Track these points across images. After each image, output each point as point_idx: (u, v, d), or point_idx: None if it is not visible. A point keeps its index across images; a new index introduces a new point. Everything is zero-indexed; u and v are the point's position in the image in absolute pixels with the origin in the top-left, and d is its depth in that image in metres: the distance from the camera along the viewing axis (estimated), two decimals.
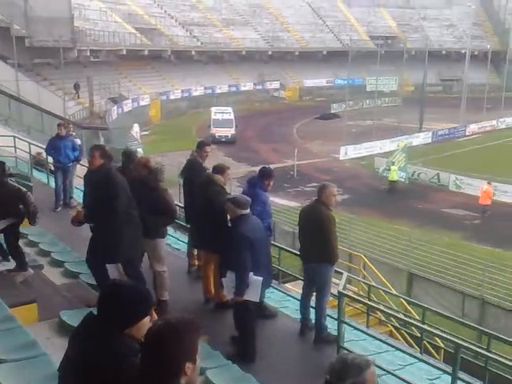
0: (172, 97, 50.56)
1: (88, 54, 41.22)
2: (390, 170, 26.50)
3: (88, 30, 42.21)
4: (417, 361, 6.46)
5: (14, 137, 14.19)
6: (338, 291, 5.91)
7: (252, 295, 5.57)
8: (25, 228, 7.96)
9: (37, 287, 5.73)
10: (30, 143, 13.30)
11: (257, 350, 5.70)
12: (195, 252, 7.60)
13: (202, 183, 6.62)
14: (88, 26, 42.94)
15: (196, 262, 7.57)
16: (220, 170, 6.75)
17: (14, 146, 13.76)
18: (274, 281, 8.05)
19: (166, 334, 2.24)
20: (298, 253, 6.50)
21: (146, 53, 50.23)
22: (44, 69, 35.52)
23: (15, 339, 4.18)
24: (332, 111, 49.37)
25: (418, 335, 8.10)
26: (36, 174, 13.09)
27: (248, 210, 5.68)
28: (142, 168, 6.31)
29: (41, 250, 7.31)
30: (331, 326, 6.33)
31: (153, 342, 2.25)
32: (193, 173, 7.21)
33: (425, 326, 6.61)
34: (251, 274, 5.50)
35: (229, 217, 5.75)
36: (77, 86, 36.12)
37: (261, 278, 5.56)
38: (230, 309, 5.95)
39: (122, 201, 5.55)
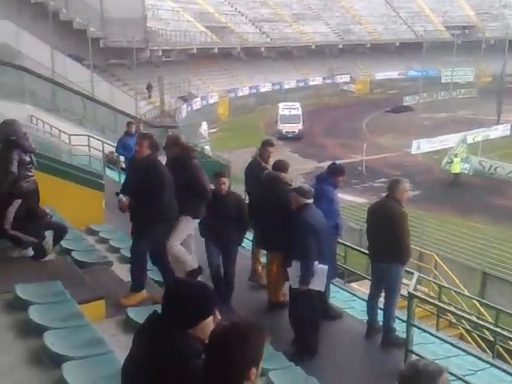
0: (240, 94, 50.89)
1: (160, 53, 42.17)
2: (452, 162, 25.72)
3: (160, 30, 43.23)
4: (489, 366, 6.12)
5: (88, 136, 14.73)
6: (408, 292, 5.70)
7: (317, 284, 5.53)
8: (97, 225, 8.29)
9: (105, 284, 5.87)
10: (103, 142, 13.76)
11: (318, 349, 5.63)
12: (260, 258, 7.39)
13: (267, 182, 6.56)
14: (160, 26, 44.00)
15: (259, 268, 7.35)
16: (282, 167, 6.63)
17: (88, 145, 14.28)
18: (339, 280, 7.93)
19: (232, 337, 2.21)
20: (366, 251, 6.34)
21: (216, 51, 50.82)
22: (118, 69, 36.72)
23: (82, 336, 4.28)
24: (404, 104, 48.04)
25: (491, 339, 7.73)
26: (108, 172, 13.52)
27: (312, 200, 5.63)
28: (173, 146, 6.27)
29: (111, 246, 7.51)
30: (399, 328, 6.13)
31: (218, 345, 2.22)
32: (252, 177, 7.13)
33: (498, 329, 6.28)
34: (316, 262, 5.45)
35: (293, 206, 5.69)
36: (149, 87, 37.11)
37: (326, 267, 5.50)
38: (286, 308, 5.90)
39: (166, 192, 5.55)
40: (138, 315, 4.82)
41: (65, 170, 9.14)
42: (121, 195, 5.94)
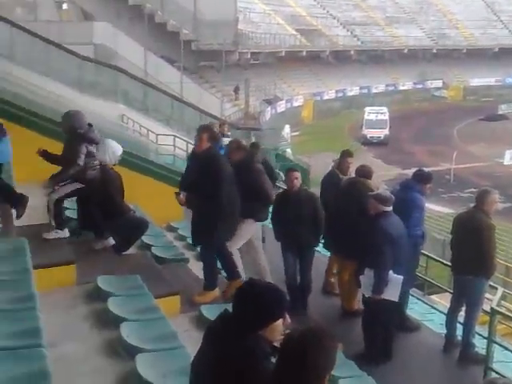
0: (326, 97, 50.56)
1: (248, 56, 42.74)
2: None
3: (250, 33, 43.80)
4: None
5: (174, 136, 15.15)
6: (491, 308, 5.43)
7: (391, 294, 5.38)
8: (176, 222, 8.50)
9: (181, 280, 6.00)
10: (187, 142, 14.10)
11: (393, 360, 5.51)
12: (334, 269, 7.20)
13: (347, 187, 6.44)
14: (250, 29, 44.56)
15: (332, 280, 7.15)
16: (367, 173, 6.46)
17: (174, 145, 14.68)
18: (418, 291, 7.65)
19: (310, 342, 2.20)
20: (449, 263, 6.11)
21: (305, 54, 50.81)
22: (207, 71, 37.57)
23: (157, 329, 4.39)
24: (499, 112, 45.76)
25: None
26: None
27: (391, 208, 5.47)
28: (236, 150, 6.19)
29: (188, 244, 7.66)
30: (479, 344, 5.85)
31: (296, 350, 2.20)
32: (329, 187, 6.96)
33: None
34: (391, 272, 5.31)
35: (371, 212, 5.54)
36: (237, 89, 37.68)
37: (401, 277, 5.34)
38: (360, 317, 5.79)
39: (225, 186, 5.49)
40: (211, 312, 4.88)
41: (151, 169, 9.50)
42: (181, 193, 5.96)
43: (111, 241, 6.21)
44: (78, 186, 6.12)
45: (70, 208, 6.96)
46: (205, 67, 37.39)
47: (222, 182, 5.46)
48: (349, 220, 6.06)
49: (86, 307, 4.77)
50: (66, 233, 6.08)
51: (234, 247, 6.18)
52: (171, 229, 8.37)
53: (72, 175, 6.07)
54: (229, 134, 12.25)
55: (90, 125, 6.18)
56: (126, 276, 5.46)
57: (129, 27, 28.14)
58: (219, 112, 28.18)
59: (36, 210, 6.07)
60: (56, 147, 6.28)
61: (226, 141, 11.81)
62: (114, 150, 6.30)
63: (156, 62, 28.17)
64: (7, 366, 3.01)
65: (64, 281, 5.10)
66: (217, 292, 5.82)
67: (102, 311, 4.63)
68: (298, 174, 6.39)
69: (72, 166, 6.01)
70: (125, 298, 4.88)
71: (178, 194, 5.96)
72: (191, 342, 4.19)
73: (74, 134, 6.09)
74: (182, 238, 7.98)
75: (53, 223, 6.02)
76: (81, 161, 6.01)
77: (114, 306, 4.62)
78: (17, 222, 5.95)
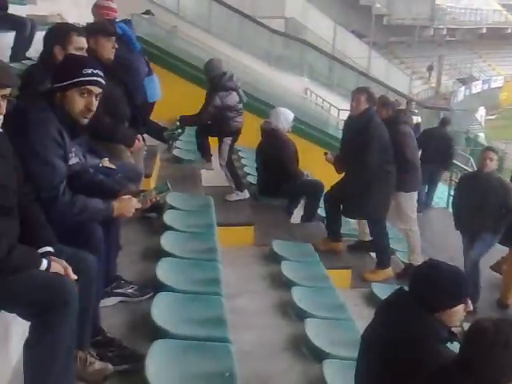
0: None
1: (444, 32, 40.38)
2: None
3: (448, 8, 41.26)
4: None
5: None
6: None
7: None
8: None
9: (354, 255, 5.96)
10: None
11: None
12: None
13: None
14: (450, 4, 41.94)
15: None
16: None
17: None
18: None
19: (494, 337, 2.04)
20: None
21: (510, 31, 46.48)
22: (397, 47, 36.29)
23: (327, 298, 4.44)
24: None
25: None
26: None
27: None
28: (381, 107, 5.72)
29: None
30: None
31: (496, 340, 2.04)
32: None
33: None
34: None
35: None
36: (430, 68, 35.76)
37: None
38: None
39: (374, 152, 5.17)
40: (382, 291, 4.80)
41: (328, 141, 9.67)
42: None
43: (246, 194, 6.35)
44: (228, 141, 6.26)
45: (251, 174, 7.29)
46: (395, 43, 36.18)
47: (371, 146, 5.19)
48: None
49: (261, 267, 4.98)
50: (245, 194, 6.35)
51: (404, 226, 5.85)
52: None
53: (199, 121, 6.19)
54: (416, 111, 11.83)
55: (224, 73, 6.15)
56: (298, 243, 5.59)
57: (320, 1, 28.14)
58: (407, 90, 27.06)
59: (223, 173, 6.43)
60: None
61: (414, 119, 11.46)
62: (286, 116, 6.43)
63: (345, 36, 27.84)
64: (191, 308, 3.25)
65: (242, 240, 5.37)
66: (390, 271, 5.67)
67: (275, 273, 4.79)
68: (493, 155, 5.86)
69: (200, 118, 6.12)
70: (297, 264, 5.00)
71: (326, 154, 5.84)
72: (360, 317, 4.18)
73: (211, 81, 6.16)
74: None
75: (232, 185, 6.34)
76: (208, 114, 6.05)
77: (286, 269, 4.76)
78: (205, 183, 6.39)
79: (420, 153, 9.59)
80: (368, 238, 6.00)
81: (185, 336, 2.93)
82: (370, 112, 5.36)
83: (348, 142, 5.54)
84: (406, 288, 2.50)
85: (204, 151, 6.72)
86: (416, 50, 33.07)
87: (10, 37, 5.80)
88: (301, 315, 4.02)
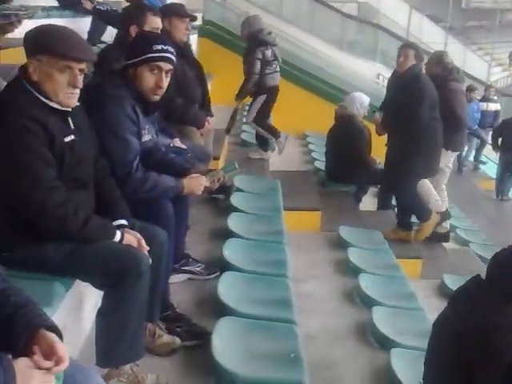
0: None
1: None
2: None
3: None
4: None
5: None
6: None
7: None
8: None
9: (425, 246, 5.75)
10: None
11: None
12: None
13: None
14: None
15: None
16: None
17: None
18: None
19: None
20: None
21: None
22: (475, 32, 34.74)
23: (396, 287, 4.33)
24: None
25: None
26: None
27: None
28: (434, 65, 5.46)
29: None
30: None
31: None
32: None
33: None
34: None
35: None
36: None
37: None
38: None
39: (426, 105, 4.93)
40: (454, 283, 4.61)
41: None
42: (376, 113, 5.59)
43: (269, 154, 6.38)
44: (261, 100, 6.23)
45: (319, 159, 7.19)
46: (473, 27, 34.61)
47: (422, 103, 4.98)
48: None
49: (330, 253, 4.91)
50: (268, 155, 6.42)
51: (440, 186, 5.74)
52: None
53: (251, 88, 6.16)
54: (495, 98, 11.30)
55: (261, 29, 6.13)
56: (367, 230, 5.48)
57: None
58: (485, 76, 25.89)
59: (290, 158, 6.39)
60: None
61: (493, 106, 10.96)
62: (362, 101, 6.31)
63: (420, 20, 26.93)
64: (258, 289, 3.25)
65: (309, 225, 5.29)
66: (411, 234, 5.57)
67: (342, 259, 4.72)
68: None
69: (249, 79, 6.08)
70: (365, 251, 4.90)
71: (374, 113, 5.67)
72: (430, 308, 4.05)
73: (250, 39, 6.12)
74: None
75: (270, 137, 6.35)
76: (256, 69, 6.01)
77: (354, 256, 4.68)
78: (272, 167, 6.38)
79: (500, 141, 9.24)
80: (441, 229, 5.81)
81: (251, 315, 2.94)
82: (419, 67, 5.22)
83: (395, 101, 5.36)
84: (483, 276, 2.38)
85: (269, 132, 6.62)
86: (497, 34, 31.52)
87: (86, 21, 5.96)
88: (368, 302, 3.95)
